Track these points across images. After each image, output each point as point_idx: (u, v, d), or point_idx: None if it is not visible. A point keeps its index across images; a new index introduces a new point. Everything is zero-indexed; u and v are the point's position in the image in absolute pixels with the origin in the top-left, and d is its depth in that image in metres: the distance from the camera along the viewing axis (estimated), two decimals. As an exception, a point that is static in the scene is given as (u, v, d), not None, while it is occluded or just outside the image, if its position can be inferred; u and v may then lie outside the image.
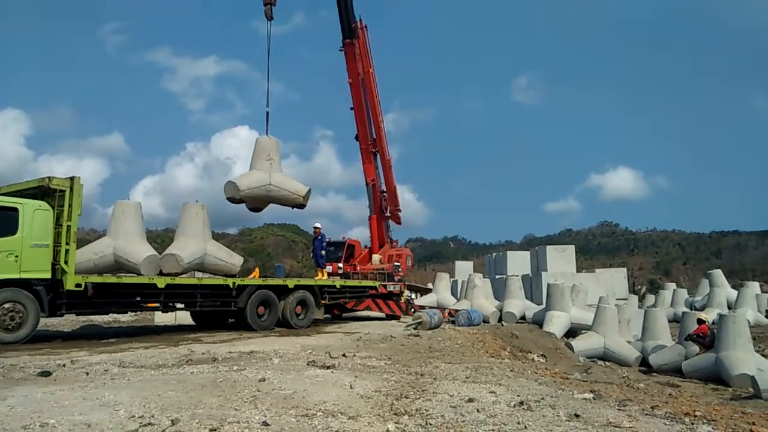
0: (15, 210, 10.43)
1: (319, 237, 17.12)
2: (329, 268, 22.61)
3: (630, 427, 5.17)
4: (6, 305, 9.95)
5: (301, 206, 16.02)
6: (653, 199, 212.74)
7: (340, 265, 22.25)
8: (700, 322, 14.36)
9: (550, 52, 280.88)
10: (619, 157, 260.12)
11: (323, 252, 17.31)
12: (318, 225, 17.21)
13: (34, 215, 10.58)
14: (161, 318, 17.52)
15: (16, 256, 10.23)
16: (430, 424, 4.93)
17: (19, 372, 7.02)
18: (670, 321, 18.21)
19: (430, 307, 18.44)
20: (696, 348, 13.81)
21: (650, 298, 30.95)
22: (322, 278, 16.07)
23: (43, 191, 10.98)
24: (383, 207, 24.53)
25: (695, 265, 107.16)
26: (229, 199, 15.12)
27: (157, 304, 12.89)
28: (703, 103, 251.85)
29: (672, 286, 32.99)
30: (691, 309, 23.87)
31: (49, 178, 10.88)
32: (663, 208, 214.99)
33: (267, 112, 16.90)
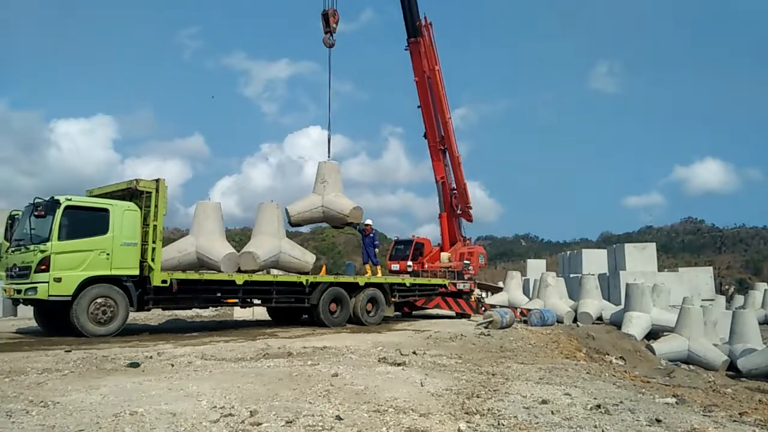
0: (106, 211, 11.14)
1: (370, 234, 17.11)
2: (397, 266, 22.76)
3: (716, 435, 4.92)
4: (99, 300, 10.64)
5: (351, 224, 16.27)
6: (744, 193, 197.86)
7: (410, 263, 22.29)
8: (796, 324, 13.41)
9: (630, 36, 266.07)
10: (707, 147, 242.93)
11: (376, 249, 17.28)
12: (369, 222, 17.36)
13: (124, 215, 11.25)
14: (240, 313, 18.20)
15: (108, 254, 10.92)
16: (503, 425, 4.87)
17: (110, 363, 7.47)
18: (761, 323, 17.12)
19: (501, 306, 18.16)
20: (791, 352, 12.92)
21: (739, 299, 29.09)
22: (368, 275, 16.09)
23: (131, 193, 11.68)
24: (454, 204, 24.37)
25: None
26: (290, 223, 16.02)
27: (235, 300, 13.44)
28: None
29: (763, 286, 30.77)
30: (786, 311, 22.25)
31: (136, 180, 11.57)
32: (754, 202, 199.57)
33: (329, 137, 17.61)
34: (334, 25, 17.99)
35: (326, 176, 16.02)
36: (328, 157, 17.24)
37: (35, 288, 10.26)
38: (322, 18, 18.07)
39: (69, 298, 10.34)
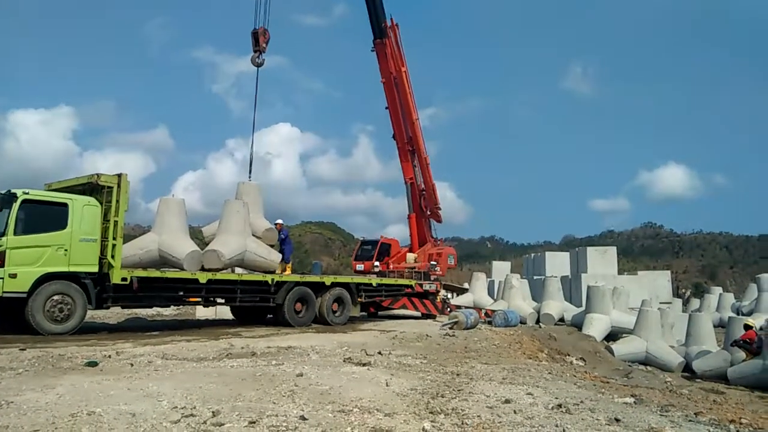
0: (65, 205, 10.80)
1: (281, 232, 16.68)
2: (362, 267, 22.73)
3: (672, 434, 5.05)
4: (55, 297, 10.31)
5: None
6: (706, 198, 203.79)
7: (376, 263, 22.31)
8: (747, 327, 13.88)
9: (604, 40, 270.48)
10: (672, 152, 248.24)
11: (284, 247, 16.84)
12: (279, 221, 17.15)
13: (83, 211, 10.94)
14: (202, 312, 17.89)
15: (66, 250, 10.60)
16: (467, 424, 4.92)
17: (67, 362, 7.27)
18: (715, 326, 17.67)
19: (467, 307, 18.32)
20: (742, 354, 13.36)
21: (695, 302, 30.04)
22: (287, 273, 15.75)
23: (91, 187, 11.36)
24: (423, 205, 24.49)
25: (743, 268, 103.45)
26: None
27: (198, 299, 13.21)
28: (757, 98, 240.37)
29: (718, 290, 31.90)
30: (738, 314, 23.00)
31: (97, 174, 11.25)
32: (712, 208, 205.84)
33: (251, 160, 17.50)
34: (264, 45, 17.59)
35: (244, 197, 15.46)
36: (249, 178, 16.92)
37: (-12, 284, 9.89)
38: (252, 37, 17.59)
39: (24, 295, 10.01)
